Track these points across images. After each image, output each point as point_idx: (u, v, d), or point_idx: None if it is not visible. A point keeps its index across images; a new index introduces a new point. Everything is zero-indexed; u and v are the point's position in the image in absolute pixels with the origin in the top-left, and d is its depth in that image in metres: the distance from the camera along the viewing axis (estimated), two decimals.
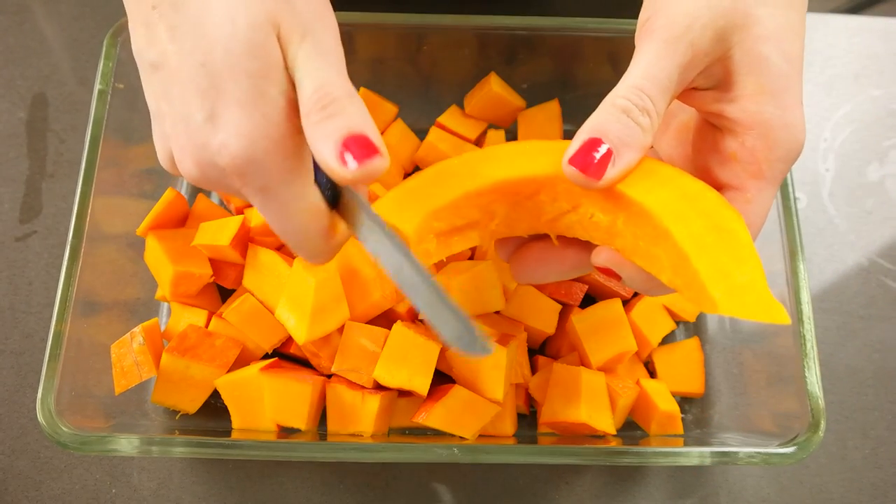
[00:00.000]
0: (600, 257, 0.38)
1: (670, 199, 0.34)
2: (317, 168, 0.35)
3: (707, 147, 0.38)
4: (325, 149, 0.30)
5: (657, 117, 0.34)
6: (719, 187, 0.37)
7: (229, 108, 0.31)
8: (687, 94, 0.36)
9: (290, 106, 0.32)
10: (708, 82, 0.35)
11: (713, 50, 0.34)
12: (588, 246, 0.40)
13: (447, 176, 0.39)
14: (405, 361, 0.46)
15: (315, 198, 0.34)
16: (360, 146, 0.30)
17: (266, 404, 0.47)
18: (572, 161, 0.33)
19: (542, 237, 0.42)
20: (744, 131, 0.35)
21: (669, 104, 0.35)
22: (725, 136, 0.36)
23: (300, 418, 0.47)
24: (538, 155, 0.38)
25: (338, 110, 0.31)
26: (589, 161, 0.33)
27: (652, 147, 0.41)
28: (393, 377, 0.47)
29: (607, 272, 0.38)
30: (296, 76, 0.31)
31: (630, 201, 0.35)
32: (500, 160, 0.38)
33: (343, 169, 0.30)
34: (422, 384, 0.46)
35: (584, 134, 0.34)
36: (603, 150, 0.33)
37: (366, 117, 0.31)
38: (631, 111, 0.33)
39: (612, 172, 0.33)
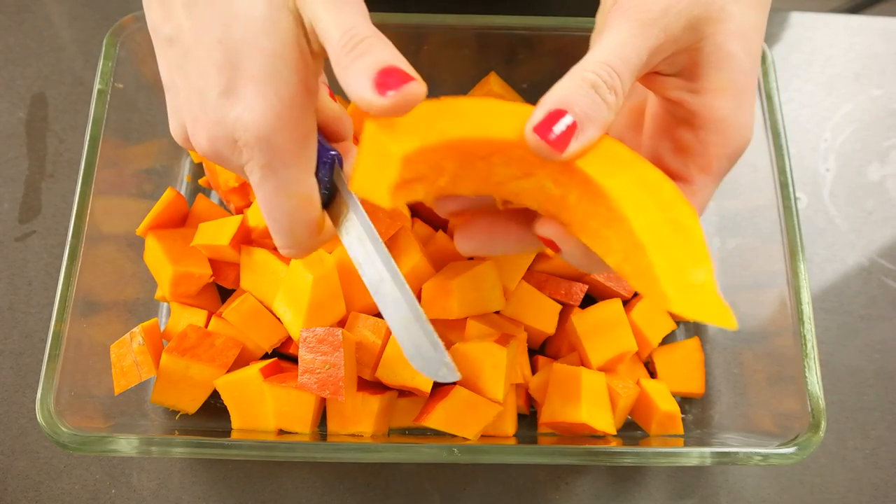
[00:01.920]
0: (544, 228, 0.38)
1: (629, 185, 0.34)
2: (318, 165, 0.35)
3: (661, 134, 0.38)
4: (360, 86, 0.31)
5: (622, 96, 0.34)
6: (666, 174, 0.37)
7: (245, 85, 0.31)
8: (650, 77, 0.37)
9: (302, 87, 0.32)
10: (673, 69, 0.35)
11: (683, 38, 0.34)
12: (534, 222, 0.40)
13: (402, 127, 0.38)
14: (407, 361, 0.46)
15: (311, 188, 0.34)
16: (394, 76, 0.30)
17: (269, 411, 0.47)
18: (536, 129, 0.33)
19: (490, 211, 0.41)
20: (701, 125, 0.35)
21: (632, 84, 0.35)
22: (681, 126, 0.36)
23: (303, 424, 0.47)
24: (499, 116, 0.37)
25: (366, 49, 0.31)
26: (552, 132, 0.33)
27: None
28: (396, 376, 0.47)
29: (549, 243, 0.38)
30: (318, 30, 0.32)
31: (588, 179, 0.34)
32: (458, 116, 0.37)
33: (381, 99, 0.30)
34: (424, 382, 0.46)
35: (549, 104, 0.33)
36: (567, 121, 0.33)
37: (395, 52, 0.31)
38: (599, 87, 0.33)
39: (574, 146, 0.33)
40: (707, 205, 0.37)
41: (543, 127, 0.33)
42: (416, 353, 0.30)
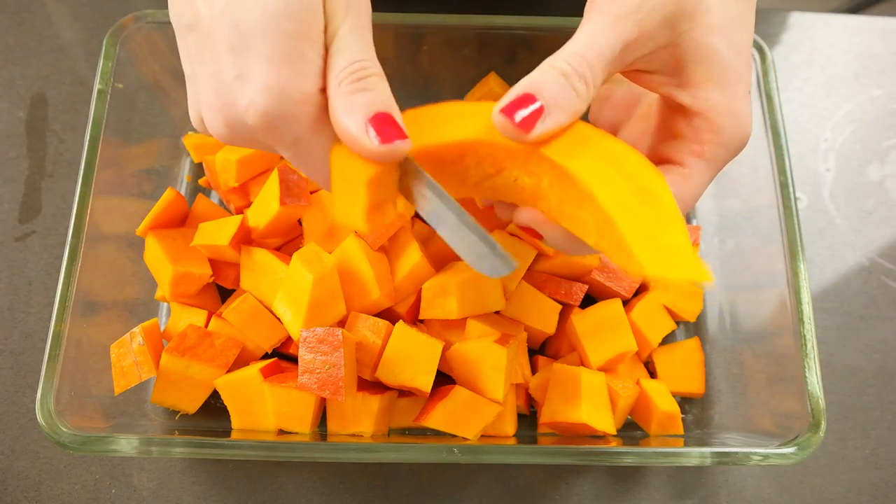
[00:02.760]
0: (521, 216, 0.38)
1: (593, 162, 0.34)
2: None
3: (661, 126, 0.39)
4: (351, 119, 0.32)
5: (593, 87, 0.34)
6: (662, 161, 0.38)
7: (259, 66, 0.32)
8: (637, 76, 0.37)
9: (325, 67, 0.33)
10: (657, 66, 0.36)
11: (661, 34, 0.34)
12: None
13: (336, 173, 0.39)
14: (408, 360, 0.47)
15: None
16: (388, 125, 0.32)
17: (269, 411, 0.48)
18: (503, 111, 0.34)
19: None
20: (693, 115, 0.36)
21: (608, 78, 0.35)
22: (676, 115, 0.37)
23: (304, 424, 0.47)
24: (461, 118, 0.37)
25: (371, 85, 0.32)
26: (519, 114, 0.34)
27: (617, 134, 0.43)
28: (396, 376, 0.47)
29: (529, 231, 0.38)
30: (333, 47, 0.32)
31: (553, 164, 0.35)
32: (421, 125, 0.38)
33: (368, 142, 0.31)
34: (425, 382, 0.46)
35: (518, 89, 0.34)
36: (535, 106, 0.33)
37: (392, 100, 0.32)
38: (570, 75, 0.34)
39: (539, 128, 0.33)
40: (703, 189, 0.37)
41: (511, 109, 0.33)
42: (472, 255, 0.32)
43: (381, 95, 0.32)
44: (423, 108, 0.38)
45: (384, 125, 0.32)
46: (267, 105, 0.32)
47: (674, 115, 0.37)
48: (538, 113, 0.33)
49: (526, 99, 0.33)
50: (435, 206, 0.34)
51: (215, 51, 0.33)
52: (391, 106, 0.33)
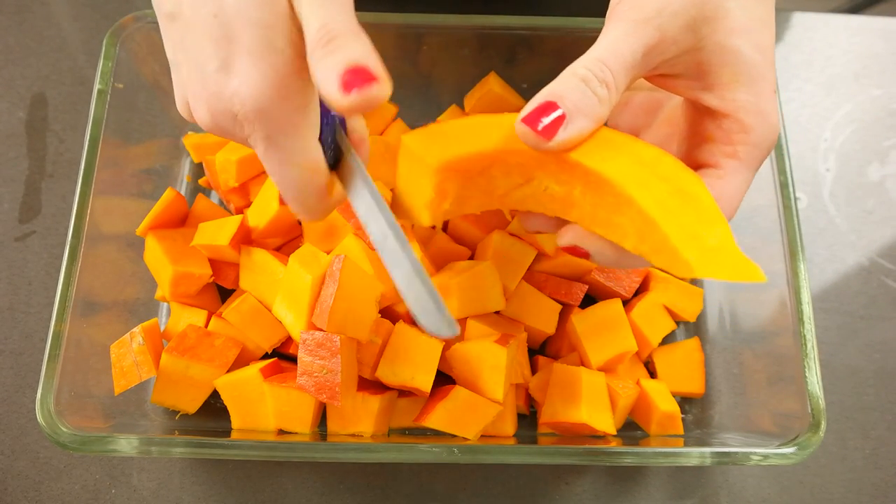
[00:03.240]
0: (565, 237, 0.38)
1: (628, 166, 0.34)
2: (322, 128, 0.36)
3: (691, 131, 0.39)
4: (328, 82, 0.31)
5: (615, 92, 0.34)
6: (696, 165, 0.38)
7: (241, 58, 0.32)
8: (663, 81, 0.37)
9: (297, 56, 0.33)
10: (681, 70, 0.36)
11: (683, 39, 0.34)
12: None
13: (404, 159, 0.39)
14: (408, 360, 0.47)
15: (316, 154, 0.35)
16: (359, 76, 0.31)
17: (269, 411, 0.48)
18: (525, 120, 0.34)
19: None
20: (722, 116, 0.36)
21: (631, 83, 0.35)
22: (705, 119, 0.37)
23: (304, 424, 0.47)
24: (487, 129, 0.38)
25: (339, 45, 0.31)
26: (541, 122, 0.34)
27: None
28: (396, 376, 0.47)
29: (575, 251, 0.38)
30: (302, 18, 0.32)
31: (587, 170, 0.35)
32: (447, 138, 0.38)
33: (344, 97, 0.30)
34: (424, 382, 0.46)
35: (540, 97, 0.34)
36: (556, 113, 0.34)
37: (367, 50, 0.32)
38: (590, 81, 0.34)
39: (562, 135, 0.34)
40: (743, 192, 0.37)
41: (533, 117, 0.33)
42: (418, 308, 0.31)
43: (350, 50, 0.31)
44: (448, 122, 0.39)
45: (355, 76, 0.31)
46: (247, 97, 0.32)
47: (702, 118, 0.37)
48: (560, 120, 0.33)
49: (548, 107, 0.34)
50: (392, 245, 0.33)
51: (197, 41, 0.33)
52: (364, 56, 0.31)
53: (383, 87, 0.31)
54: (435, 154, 0.36)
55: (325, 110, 0.37)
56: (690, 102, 0.38)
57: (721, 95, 0.35)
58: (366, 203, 0.34)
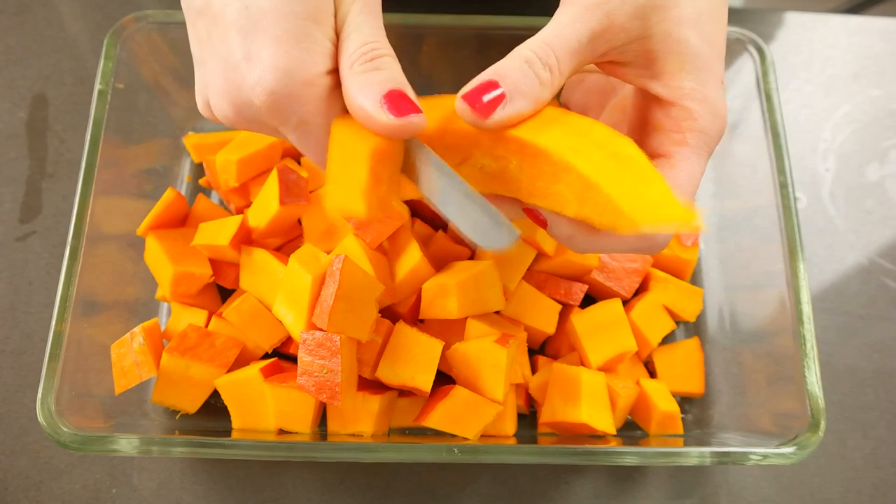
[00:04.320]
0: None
1: (563, 136, 0.35)
2: None
3: (640, 119, 0.39)
4: (366, 97, 0.32)
5: (559, 76, 0.35)
6: (648, 155, 0.38)
7: (267, 46, 0.32)
8: (611, 68, 0.38)
9: (334, 50, 0.33)
10: (630, 58, 0.36)
11: (632, 26, 0.35)
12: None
13: (335, 147, 0.38)
14: (408, 359, 0.47)
15: None
16: (402, 100, 0.32)
17: (269, 410, 0.48)
18: (465, 96, 0.34)
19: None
20: (669, 104, 0.36)
21: (577, 68, 0.35)
22: (653, 107, 0.38)
23: (304, 424, 0.47)
24: (425, 111, 0.37)
25: (384, 65, 0.32)
26: (480, 100, 0.34)
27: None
28: (396, 375, 0.47)
29: (534, 216, 0.38)
30: (344, 29, 0.33)
31: (522, 142, 0.35)
32: None
33: (383, 117, 0.31)
34: (425, 381, 0.46)
35: (483, 75, 0.34)
36: (496, 92, 0.34)
37: (405, 80, 0.33)
38: (534, 63, 0.34)
39: (499, 114, 0.34)
40: (696, 178, 0.37)
41: (473, 95, 0.34)
42: (474, 229, 0.31)
43: (394, 74, 0.33)
44: None
45: (398, 100, 0.32)
46: (274, 84, 0.32)
47: (650, 107, 0.38)
48: (499, 99, 0.34)
49: (489, 86, 0.34)
50: (440, 183, 0.33)
51: (224, 33, 0.33)
52: (404, 84, 0.33)
53: (423, 119, 0.32)
54: (368, 137, 0.35)
55: None
56: (639, 91, 0.38)
57: (667, 84, 0.36)
58: (415, 149, 0.35)
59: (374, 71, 0.32)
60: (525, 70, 0.34)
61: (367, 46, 0.32)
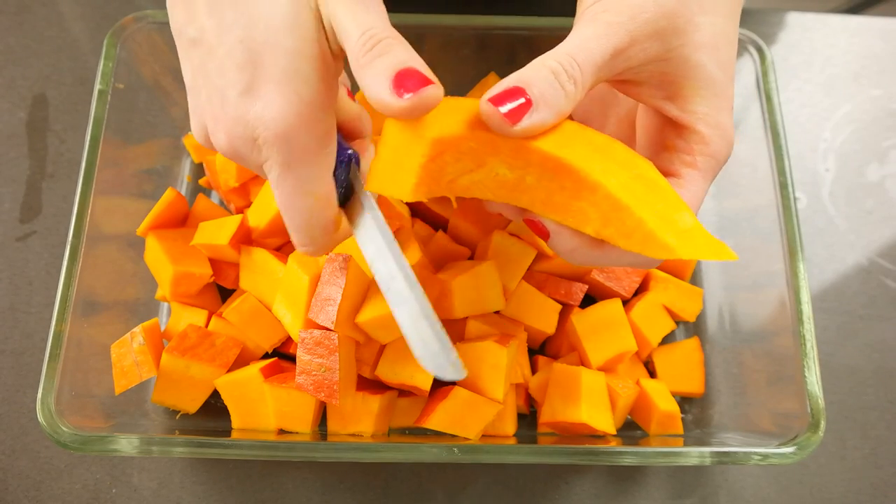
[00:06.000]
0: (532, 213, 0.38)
1: (586, 152, 0.35)
2: (336, 164, 0.36)
3: (651, 137, 0.39)
4: (378, 86, 0.31)
5: (581, 89, 0.34)
6: None
7: (266, 84, 0.32)
8: (627, 87, 0.38)
9: (323, 85, 0.33)
10: (646, 78, 0.37)
11: (651, 47, 0.35)
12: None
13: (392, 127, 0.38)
14: (408, 359, 0.47)
15: (329, 187, 0.35)
16: (412, 78, 0.31)
17: (269, 410, 0.48)
18: (492, 100, 0.34)
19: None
20: (682, 126, 0.37)
21: (595, 84, 0.36)
22: (666, 128, 0.38)
23: (304, 424, 0.47)
24: (444, 114, 0.37)
25: (385, 49, 0.32)
26: (507, 106, 0.34)
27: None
28: (395, 374, 0.47)
29: (537, 227, 0.38)
30: (337, 30, 0.32)
31: (546, 156, 0.35)
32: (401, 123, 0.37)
33: (398, 101, 0.31)
34: (424, 380, 0.46)
35: (508, 81, 0.34)
36: (523, 99, 0.34)
37: (413, 54, 0.32)
38: (560, 74, 0.34)
39: (526, 122, 0.34)
40: (700, 199, 0.38)
41: (499, 100, 0.33)
42: (424, 350, 0.30)
43: (398, 54, 0.32)
44: None
45: (407, 79, 0.31)
46: (271, 122, 0.32)
47: (663, 127, 0.38)
48: (526, 107, 0.33)
49: (515, 92, 0.34)
50: (399, 286, 0.32)
51: (221, 66, 0.33)
52: (411, 59, 0.32)
53: (438, 88, 0.32)
54: (428, 126, 0.35)
55: (342, 147, 0.36)
56: (652, 110, 0.39)
57: (682, 107, 0.36)
58: (375, 242, 0.34)
59: (377, 58, 0.32)
60: (552, 80, 0.34)
61: (364, 36, 0.32)
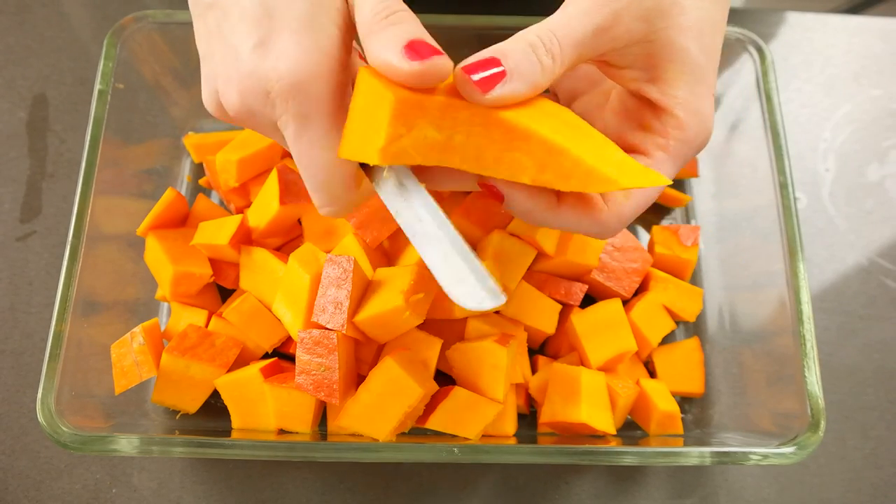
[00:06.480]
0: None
1: (524, 109, 0.35)
2: None
3: (626, 115, 0.39)
4: (387, 51, 0.31)
5: (560, 65, 0.35)
6: (627, 148, 0.39)
7: (282, 35, 0.32)
8: (609, 70, 0.38)
9: (341, 38, 0.33)
10: (629, 62, 0.37)
11: (636, 28, 0.35)
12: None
13: (360, 93, 0.37)
14: None
15: None
16: (423, 48, 0.32)
17: (269, 410, 0.48)
18: (466, 69, 0.34)
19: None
20: (661, 109, 0.37)
21: (577, 62, 0.36)
22: (643, 108, 0.38)
23: (304, 424, 0.47)
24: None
25: (400, 20, 0.32)
26: (480, 74, 0.33)
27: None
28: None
29: (491, 191, 0.37)
30: (355, 1, 0.33)
31: (474, 111, 0.35)
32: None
33: (408, 64, 0.31)
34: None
35: (485, 52, 0.34)
36: (497, 69, 0.34)
37: (425, 31, 0.33)
38: (538, 48, 0.34)
39: (497, 91, 0.33)
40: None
41: (473, 68, 0.33)
42: (458, 288, 0.30)
43: (412, 26, 0.32)
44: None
45: (420, 47, 0.31)
46: (286, 71, 0.32)
47: (641, 107, 0.38)
48: (499, 76, 0.33)
49: (490, 62, 0.34)
50: (426, 228, 0.32)
51: (237, 23, 0.33)
52: (424, 34, 0.32)
53: (447, 60, 0.32)
54: (394, 87, 0.34)
55: None
56: (632, 94, 0.39)
57: (663, 90, 0.36)
58: (399, 192, 0.34)
59: (391, 26, 0.32)
60: (528, 53, 0.34)
61: (380, 6, 0.32)
